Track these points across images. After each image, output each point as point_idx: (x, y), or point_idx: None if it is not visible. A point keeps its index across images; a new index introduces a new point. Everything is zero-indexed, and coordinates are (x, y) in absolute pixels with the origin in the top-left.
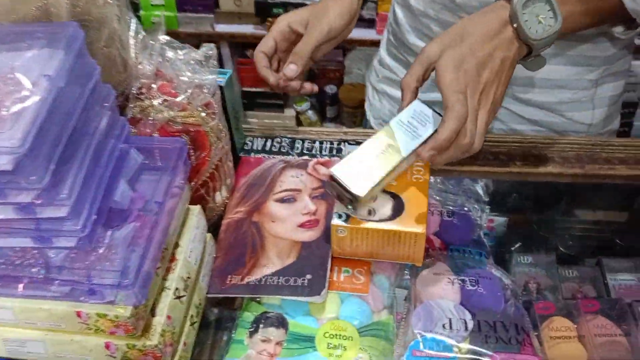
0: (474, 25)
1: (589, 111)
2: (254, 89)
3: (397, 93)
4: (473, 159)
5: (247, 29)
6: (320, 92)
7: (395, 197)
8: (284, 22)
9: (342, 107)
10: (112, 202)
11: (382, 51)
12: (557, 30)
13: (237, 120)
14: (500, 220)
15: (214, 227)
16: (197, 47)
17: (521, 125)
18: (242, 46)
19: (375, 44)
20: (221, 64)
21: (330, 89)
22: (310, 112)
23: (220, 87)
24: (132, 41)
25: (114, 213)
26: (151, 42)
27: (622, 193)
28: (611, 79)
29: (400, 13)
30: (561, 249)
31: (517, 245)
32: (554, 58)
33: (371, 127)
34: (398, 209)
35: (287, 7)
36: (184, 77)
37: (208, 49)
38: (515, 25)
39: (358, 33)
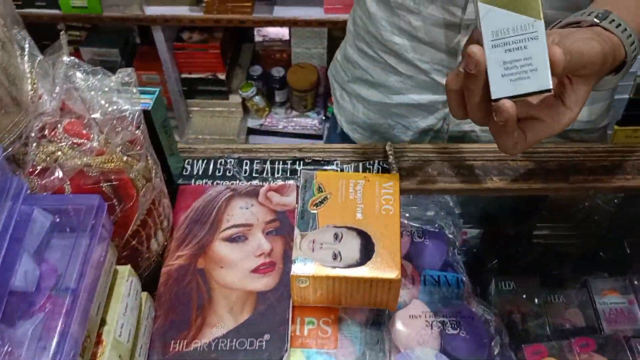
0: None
1: (586, 107)
2: (194, 75)
3: (373, 95)
4: (442, 175)
5: (182, 10)
6: (267, 76)
7: (362, 235)
8: None
9: (291, 91)
10: (12, 286)
11: (349, 47)
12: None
13: (171, 143)
14: (474, 232)
15: (152, 279)
16: (127, 31)
17: None
18: (178, 29)
19: (322, 23)
20: (154, 52)
21: (277, 71)
22: (257, 98)
23: (146, 113)
24: (26, 68)
25: (15, 300)
26: (53, 67)
27: (605, 203)
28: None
29: (373, 5)
30: (542, 264)
31: (494, 262)
32: None
33: (342, 135)
34: (367, 250)
35: None
36: (96, 113)
37: (125, 74)
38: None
39: (304, 12)
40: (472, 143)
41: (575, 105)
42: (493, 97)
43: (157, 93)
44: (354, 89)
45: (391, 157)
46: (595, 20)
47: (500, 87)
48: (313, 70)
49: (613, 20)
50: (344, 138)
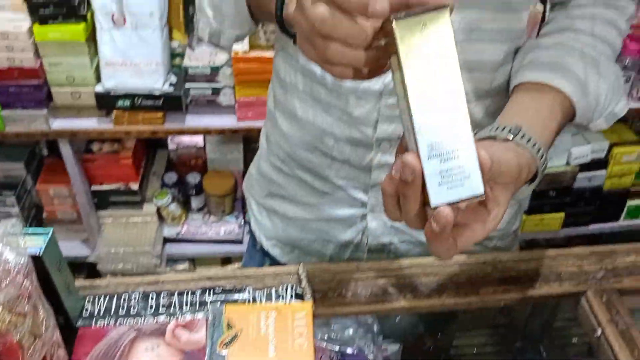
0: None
1: None
2: (105, 187)
3: (292, 211)
4: (356, 296)
5: (90, 123)
6: (183, 182)
7: None
8: None
9: (208, 196)
10: None
11: (263, 163)
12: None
13: (68, 284)
14: (394, 348)
15: None
16: (33, 144)
17: None
18: (87, 140)
19: (236, 131)
20: (62, 164)
21: (193, 177)
22: (172, 206)
23: (36, 258)
24: None
25: None
26: None
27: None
28: None
29: (284, 123)
30: None
31: None
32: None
33: (262, 251)
34: None
35: (134, 99)
36: None
37: (9, 225)
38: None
39: (217, 120)
40: (391, 259)
41: (498, 211)
42: (432, 205)
43: (49, 234)
44: (271, 205)
45: (304, 280)
46: (508, 135)
47: (438, 196)
48: (229, 175)
49: (524, 135)
50: (264, 254)
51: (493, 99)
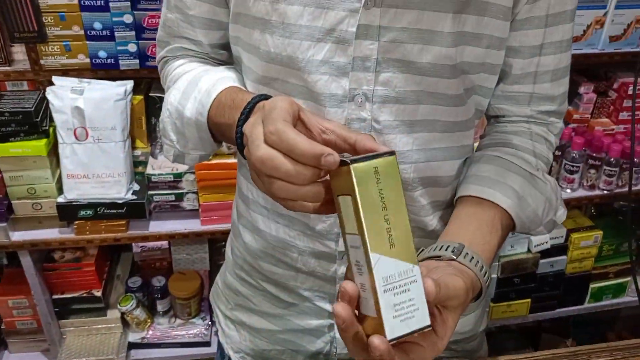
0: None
1: (461, 319)
2: (67, 295)
3: (258, 323)
4: None
5: (51, 233)
6: (148, 286)
7: None
8: None
9: (174, 299)
10: None
11: (229, 275)
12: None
13: None
14: None
15: None
16: None
17: None
18: (47, 250)
19: (200, 235)
20: (22, 274)
21: (158, 281)
22: (137, 311)
23: None
24: None
25: None
26: None
27: None
28: None
29: (247, 236)
30: None
31: None
32: None
33: None
34: None
35: (96, 209)
36: None
37: None
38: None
39: (181, 225)
40: None
41: (445, 333)
42: (388, 338)
43: None
44: (238, 316)
45: None
46: (452, 255)
47: (393, 329)
48: (195, 276)
49: (467, 254)
50: None
51: (448, 209)
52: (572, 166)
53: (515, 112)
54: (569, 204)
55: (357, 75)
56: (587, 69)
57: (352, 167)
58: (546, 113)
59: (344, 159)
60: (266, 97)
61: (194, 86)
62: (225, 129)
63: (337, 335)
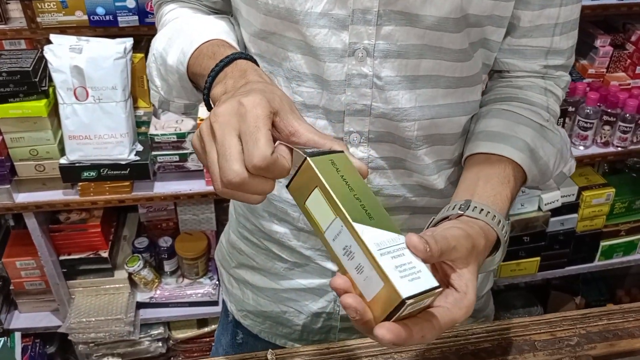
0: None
1: None
2: (74, 256)
3: (260, 281)
4: None
5: (55, 195)
6: (154, 246)
7: None
8: None
9: (181, 260)
10: None
11: (232, 234)
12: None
13: None
14: None
15: None
16: None
17: None
18: (53, 212)
19: (205, 195)
20: (29, 235)
21: (164, 241)
22: (145, 271)
23: None
24: None
25: None
26: None
27: None
28: None
29: None
30: None
31: None
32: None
33: (234, 322)
34: None
35: (99, 170)
36: None
37: None
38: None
39: (186, 186)
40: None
41: (466, 287)
42: (403, 296)
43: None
44: (241, 275)
45: None
46: (459, 211)
47: (405, 287)
48: (202, 236)
49: (475, 207)
50: (236, 324)
51: (454, 168)
52: (586, 122)
53: (521, 67)
54: (582, 161)
55: (357, 28)
56: (603, 20)
57: (309, 159)
58: (554, 67)
59: (299, 151)
60: (247, 56)
61: (179, 33)
62: (199, 79)
63: None
